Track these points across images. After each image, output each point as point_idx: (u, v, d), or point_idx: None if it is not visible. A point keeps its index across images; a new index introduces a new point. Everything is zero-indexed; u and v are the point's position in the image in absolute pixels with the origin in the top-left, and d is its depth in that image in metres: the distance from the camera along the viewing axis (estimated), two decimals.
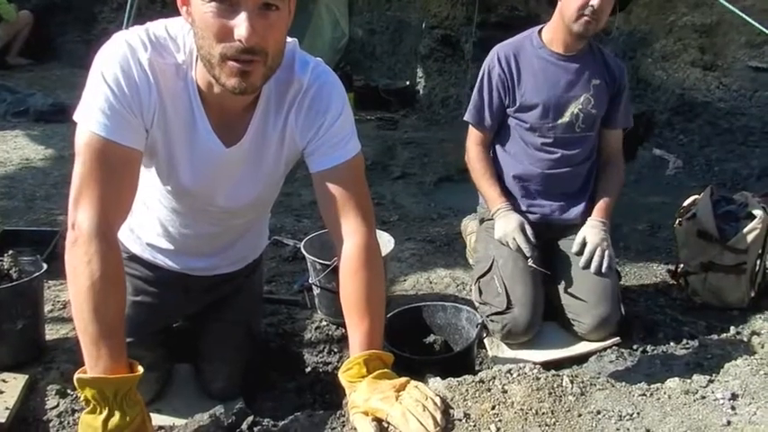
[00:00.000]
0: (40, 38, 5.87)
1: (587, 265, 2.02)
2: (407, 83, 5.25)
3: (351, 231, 1.31)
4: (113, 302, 1.13)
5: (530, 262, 2.03)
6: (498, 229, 2.10)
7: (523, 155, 2.16)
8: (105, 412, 1.09)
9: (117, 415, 1.09)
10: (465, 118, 2.21)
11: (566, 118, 2.11)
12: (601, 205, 2.14)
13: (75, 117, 1.17)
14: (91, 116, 1.15)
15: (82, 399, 1.11)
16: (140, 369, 1.15)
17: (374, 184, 3.52)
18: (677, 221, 2.31)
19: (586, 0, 1.96)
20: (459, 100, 4.83)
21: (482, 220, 2.28)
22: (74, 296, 1.12)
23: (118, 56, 1.17)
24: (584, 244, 2.06)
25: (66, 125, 4.22)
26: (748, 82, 3.98)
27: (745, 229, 2.14)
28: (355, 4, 5.26)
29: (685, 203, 2.36)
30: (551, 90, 2.09)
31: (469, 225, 2.58)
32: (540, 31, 2.15)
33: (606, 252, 2.03)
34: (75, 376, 1.10)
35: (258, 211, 1.60)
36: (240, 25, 1.09)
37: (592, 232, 2.08)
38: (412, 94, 5.21)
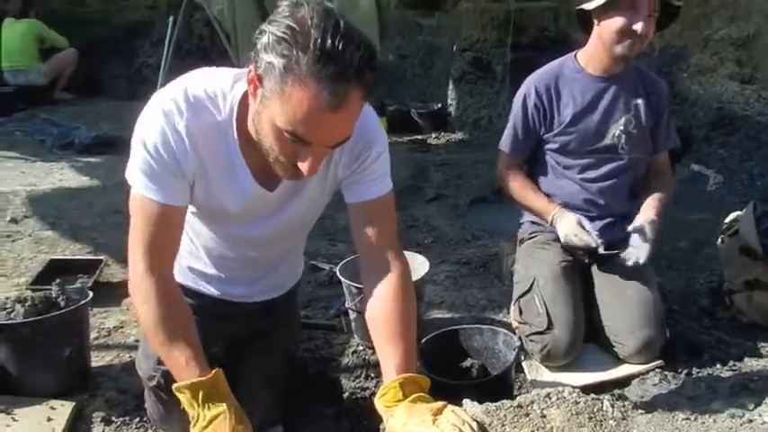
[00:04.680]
0: (83, 73, 6.11)
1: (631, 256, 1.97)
2: (439, 105, 5.28)
3: (387, 260, 1.35)
4: (181, 327, 1.24)
5: (601, 249, 2.00)
6: (560, 231, 2.05)
7: (563, 180, 2.13)
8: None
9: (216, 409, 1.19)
10: (500, 146, 2.19)
11: (607, 140, 2.08)
12: (651, 202, 2.06)
13: (127, 176, 1.26)
14: (138, 179, 1.24)
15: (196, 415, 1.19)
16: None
17: (408, 207, 3.54)
18: (720, 239, 2.26)
19: (629, 25, 1.91)
20: (492, 121, 4.83)
21: (521, 240, 2.26)
22: (147, 333, 1.26)
23: (155, 126, 1.22)
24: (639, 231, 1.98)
25: (108, 157, 4.38)
26: None
27: None
28: (386, 30, 5.33)
29: (727, 220, 2.31)
30: (591, 114, 2.07)
31: (506, 247, 2.56)
32: (576, 56, 2.13)
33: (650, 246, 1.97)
34: (175, 387, 1.21)
35: (298, 239, 1.63)
36: (304, 162, 1.15)
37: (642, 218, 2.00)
38: (444, 117, 5.24)
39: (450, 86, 5.26)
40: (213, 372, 1.21)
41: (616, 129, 2.07)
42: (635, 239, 1.99)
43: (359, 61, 1.04)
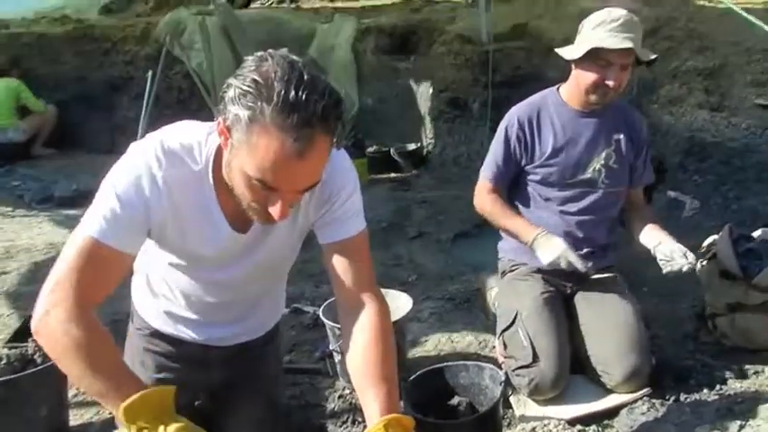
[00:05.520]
0: (63, 128, 6.11)
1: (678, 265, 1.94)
2: (418, 144, 5.34)
3: (363, 300, 1.35)
4: (106, 352, 1.17)
5: (591, 273, 2.03)
6: (545, 254, 2.02)
7: (543, 211, 2.15)
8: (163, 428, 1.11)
9: (175, 424, 1.12)
10: (481, 172, 2.21)
11: (588, 174, 2.11)
12: (650, 223, 2.10)
13: (83, 219, 1.22)
14: (94, 223, 1.20)
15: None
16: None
17: (391, 245, 3.54)
18: (698, 263, 2.27)
19: (601, 79, 1.98)
20: (471, 158, 4.88)
21: (503, 273, 2.26)
22: (62, 363, 1.16)
23: (131, 173, 1.22)
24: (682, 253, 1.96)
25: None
26: (757, 120, 3.98)
27: None
28: (363, 75, 5.44)
29: (705, 244, 2.34)
30: (572, 147, 2.10)
31: (488, 281, 2.57)
32: (558, 89, 2.17)
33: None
34: (123, 407, 1.10)
35: (274, 279, 1.63)
36: (274, 206, 1.16)
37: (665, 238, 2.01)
38: (423, 155, 5.29)
39: (429, 126, 5.33)
40: (160, 387, 1.17)
41: (597, 163, 2.11)
42: (676, 254, 1.95)
43: (323, 109, 1.07)
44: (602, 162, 2.11)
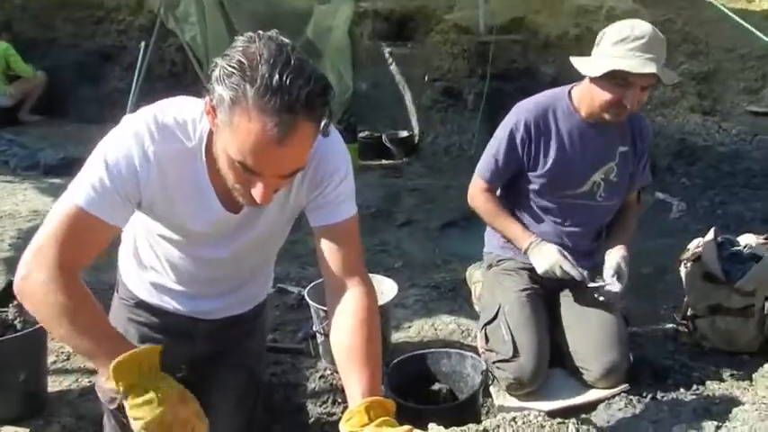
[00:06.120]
0: (52, 95, 6.03)
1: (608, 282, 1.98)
2: (411, 132, 5.34)
3: (351, 284, 1.34)
4: (89, 312, 1.18)
5: (587, 282, 1.98)
6: (540, 263, 2.01)
7: (536, 216, 2.12)
8: (152, 392, 1.12)
9: (164, 384, 1.14)
10: (477, 170, 2.14)
11: (586, 187, 2.05)
12: (620, 236, 2.10)
13: (69, 187, 1.22)
14: (81, 191, 1.19)
15: (122, 390, 1.12)
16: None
17: (379, 231, 3.54)
18: (682, 264, 2.30)
19: (619, 99, 1.86)
20: (463, 148, 4.89)
21: (489, 266, 2.27)
22: (47, 325, 1.19)
23: (123, 145, 1.21)
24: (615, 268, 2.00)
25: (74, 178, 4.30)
26: (748, 126, 4.04)
27: (752, 271, 2.13)
28: (359, 60, 5.41)
29: (689, 246, 2.36)
30: (577, 158, 2.03)
31: (475, 273, 2.57)
32: (570, 92, 2.06)
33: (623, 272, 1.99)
34: (112, 366, 1.10)
35: (264, 258, 1.63)
36: (256, 190, 1.15)
37: (618, 256, 2.02)
38: (415, 143, 5.29)
39: (422, 114, 5.32)
40: (147, 346, 1.18)
41: (597, 176, 2.05)
42: (607, 275, 1.99)
43: (307, 95, 1.06)
44: (603, 176, 2.04)
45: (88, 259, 1.24)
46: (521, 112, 2.05)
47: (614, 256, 2.02)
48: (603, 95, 1.90)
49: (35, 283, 1.16)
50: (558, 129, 2.03)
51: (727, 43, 4.54)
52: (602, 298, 2.01)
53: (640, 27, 1.85)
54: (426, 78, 5.28)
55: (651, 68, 1.80)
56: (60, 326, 1.16)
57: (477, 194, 2.14)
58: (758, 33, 3.20)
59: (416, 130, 5.29)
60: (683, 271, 2.29)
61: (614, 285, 1.97)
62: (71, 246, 1.18)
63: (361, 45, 5.47)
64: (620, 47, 1.84)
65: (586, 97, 1.99)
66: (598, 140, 2.03)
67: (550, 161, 2.03)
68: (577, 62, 1.96)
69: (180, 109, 1.27)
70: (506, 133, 2.05)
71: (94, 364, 1.19)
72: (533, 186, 2.08)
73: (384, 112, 5.60)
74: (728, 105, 4.15)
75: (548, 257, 2.01)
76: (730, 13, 3.64)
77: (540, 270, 2.02)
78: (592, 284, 1.99)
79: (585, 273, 2.00)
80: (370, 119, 5.46)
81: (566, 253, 2.01)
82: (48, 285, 1.15)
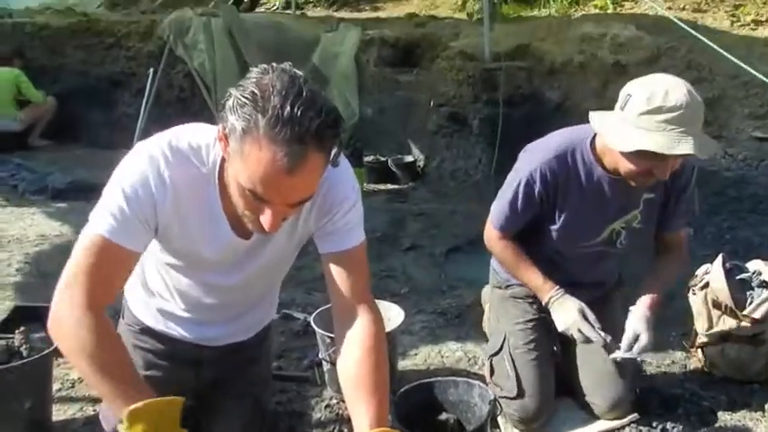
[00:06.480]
0: (61, 120, 6.08)
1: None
2: (416, 157, 5.36)
3: (359, 312, 1.35)
4: (114, 354, 1.19)
5: (615, 354, 1.86)
6: (559, 321, 1.91)
7: (548, 259, 2.02)
8: None
9: None
10: (492, 222, 2.01)
11: (604, 235, 1.93)
12: (651, 287, 1.93)
13: (90, 217, 1.24)
14: (103, 221, 1.22)
15: None
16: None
17: (385, 256, 3.53)
18: (690, 290, 2.28)
19: (648, 171, 1.66)
20: (468, 173, 4.90)
21: (497, 288, 2.21)
22: (73, 362, 1.20)
23: (138, 170, 1.24)
24: (635, 339, 1.85)
25: (83, 203, 4.32)
26: (754, 152, 4.03)
27: (761, 298, 2.11)
28: (365, 86, 5.46)
29: (697, 272, 2.34)
30: (595, 213, 1.90)
31: (488, 296, 2.53)
32: (592, 142, 1.85)
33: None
34: (128, 410, 1.10)
35: (270, 284, 1.64)
36: (265, 217, 1.17)
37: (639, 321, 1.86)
38: (421, 168, 5.31)
39: (427, 139, 5.35)
40: (169, 398, 1.17)
41: (618, 225, 1.93)
42: (625, 344, 1.86)
43: (318, 127, 1.08)
44: (624, 225, 1.92)
45: (115, 290, 1.27)
46: (537, 166, 1.86)
47: (634, 322, 1.87)
48: (630, 167, 1.70)
49: (64, 321, 1.18)
50: (579, 183, 1.86)
51: (731, 70, 4.55)
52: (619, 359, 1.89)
53: (675, 94, 1.59)
54: (432, 104, 5.31)
55: (687, 148, 1.57)
56: (82, 366, 1.17)
57: (494, 242, 2.03)
58: (749, 69, 3.20)
59: (419, 155, 5.32)
60: (691, 298, 2.28)
61: (632, 353, 1.86)
62: (98, 279, 1.20)
63: (368, 71, 5.52)
64: (651, 119, 1.59)
65: (610, 157, 1.79)
66: (620, 192, 1.85)
67: (569, 213, 1.90)
68: (600, 126, 1.73)
69: (194, 135, 1.29)
70: (522, 188, 1.89)
71: (111, 406, 1.20)
72: (549, 235, 1.97)
73: (389, 137, 5.64)
74: (734, 131, 4.15)
75: (567, 316, 1.89)
76: (724, 52, 3.66)
77: (559, 328, 1.93)
78: (612, 356, 1.88)
79: (609, 338, 1.85)
80: (376, 144, 5.49)
81: (587, 312, 1.88)
82: (75, 326, 1.17)
